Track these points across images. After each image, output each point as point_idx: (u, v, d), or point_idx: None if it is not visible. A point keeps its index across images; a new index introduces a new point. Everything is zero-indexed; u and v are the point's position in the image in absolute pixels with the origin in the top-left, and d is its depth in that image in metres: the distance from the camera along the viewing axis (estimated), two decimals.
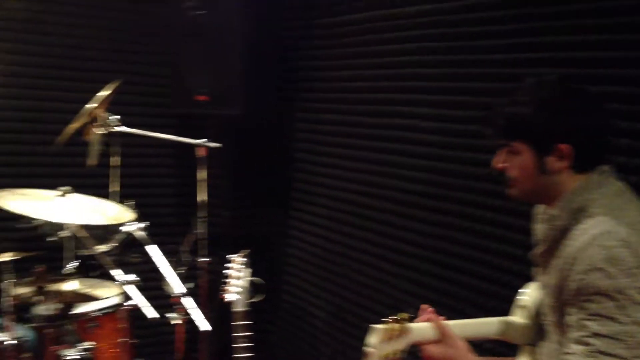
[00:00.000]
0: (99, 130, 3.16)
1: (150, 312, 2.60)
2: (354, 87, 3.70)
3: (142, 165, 4.15)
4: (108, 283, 3.14)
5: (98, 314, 3.07)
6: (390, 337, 1.55)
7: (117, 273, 2.66)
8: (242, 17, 3.70)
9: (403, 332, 1.57)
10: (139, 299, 2.60)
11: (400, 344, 1.57)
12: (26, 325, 2.86)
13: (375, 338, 1.55)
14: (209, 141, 3.28)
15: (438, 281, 3.07)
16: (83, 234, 3.03)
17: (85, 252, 3.21)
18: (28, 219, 3.37)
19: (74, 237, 3.12)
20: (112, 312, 3.14)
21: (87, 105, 3.02)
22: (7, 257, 2.58)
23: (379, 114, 3.50)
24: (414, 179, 3.25)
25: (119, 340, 3.11)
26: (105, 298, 2.98)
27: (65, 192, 2.58)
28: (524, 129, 1.61)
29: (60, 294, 2.83)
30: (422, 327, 1.61)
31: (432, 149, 3.14)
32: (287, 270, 4.15)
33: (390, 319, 1.58)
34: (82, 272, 3.05)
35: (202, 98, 3.68)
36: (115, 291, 3.08)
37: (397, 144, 3.36)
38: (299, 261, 4.10)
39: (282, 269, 4.16)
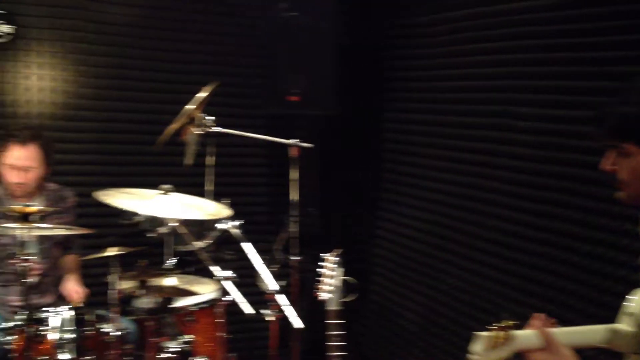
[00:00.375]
0: (196, 131, 3.26)
1: (247, 308, 2.67)
2: (444, 87, 3.67)
3: (236, 165, 4.27)
4: (204, 279, 3.25)
5: (195, 308, 3.19)
6: (494, 344, 1.54)
7: (214, 269, 2.75)
8: (333, 18, 3.74)
9: (508, 340, 1.55)
10: (236, 295, 2.68)
11: (505, 352, 1.55)
12: (128, 318, 3.00)
13: (480, 345, 1.54)
14: (301, 141, 3.33)
15: (534, 285, 3.01)
16: (182, 230, 3.14)
17: (183, 249, 3.33)
18: (129, 216, 3.55)
19: (173, 234, 3.23)
20: (208, 307, 3.26)
21: (186, 107, 3.12)
22: (113, 251, 2.71)
23: (470, 113, 3.45)
24: (508, 179, 3.19)
25: (215, 334, 3.22)
26: (202, 293, 3.07)
27: (167, 191, 2.69)
28: (637, 130, 1.55)
29: (160, 288, 2.95)
30: (527, 335, 1.58)
31: (527, 149, 3.07)
32: (375, 270, 4.16)
33: (495, 326, 1.56)
34: (180, 268, 3.16)
35: (293, 99, 3.75)
36: (211, 287, 3.18)
37: (489, 144, 3.31)
38: (387, 261, 4.10)
39: (370, 268, 4.17)
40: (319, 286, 2.56)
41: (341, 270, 2.62)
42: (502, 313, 2.90)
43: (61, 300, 3.25)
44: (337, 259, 2.64)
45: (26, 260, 2.27)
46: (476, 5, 3.37)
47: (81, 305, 3.12)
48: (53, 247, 3.28)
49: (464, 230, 3.47)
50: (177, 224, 3.12)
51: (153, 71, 4.07)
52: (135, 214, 3.45)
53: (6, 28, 3.64)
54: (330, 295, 2.54)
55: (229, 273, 2.72)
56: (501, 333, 1.55)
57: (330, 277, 2.57)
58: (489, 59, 3.31)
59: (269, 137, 3.41)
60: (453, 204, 3.55)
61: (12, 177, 3.10)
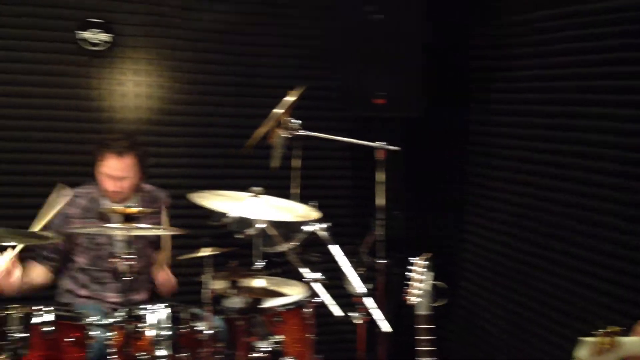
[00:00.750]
0: (283, 134, 3.31)
1: (336, 311, 2.68)
2: (531, 87, 3.58)
3: (321, 168, 4.32)
4: (292, 280, 3.29)
5: (283, 309, 3.23)
6: (600, 350, 1.50)
7: (303, 271, 2.78)
8: (418, 19, 3.72)
9: (614, 346, 1.50)
10: (325, 297, 2.70)
11: (611, 358, 1.50)
12: (218, 317, 3.08)
13: (586, 351, 1.50)
14: (387, 144, 3.32)
15: (627, 292, 2.89)
16: (270, 232, 3.19)
17: (271, 250, 3.38)
18: (218, 217, 3.63)
19: (261, 235, 3.29)
20: (295, 309, 3.30)
21: (274, 111, 3.17)
22: (206, 252, 2.78)
23: (560, 115, 3.36)
24: (601, 183, 3.09)
25: (302, 335, 3.25)
26: (290, 295, 3.11)
27: (258, 193, 2.75)
28: None
29: (250, 288, 3.00)
30: (634, 342, 1.53)
31: (623, 151, 2.96)
32: (462, 275, 4.10)
33: (600, 331, 1.52)
34: (269, 269, 3.21)
35: (379, 101, 3.74)
36: (299, 288, 3.21)
37: (582, 146, 3.21)
38: (474, 266, 4.04)
39: (457, 272, 4.11)
40: (409, 290, 2.55)
41: (431, 274, 2.59)
42: (597, 320, 2.81)
43: (153, 297, 3.37)
44: (427, 263, 2.62)
45: (127, 259, 2.36)
46: (562, 5, 3.28)
47: (172, 293, 3.22)
48: (146, 246, 3.41)
49: (554, 234, 3.37)
50: (266, 225, 3.18)
51: (243, 76, 4.17)
52: (224, 216, 3.57)
53: (104, 37, 3.81)
54: (419, 299, 2.52)
55: (318, 275, 2.74)
56: (607, 339, 1.51)
57: (420, 282, 2.55)
58: (574, 60, 3.22)
59: (355, 140, 3.42)
60: (542, 207, 3.47)
61: (108, 185, 3.24)
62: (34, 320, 2.50)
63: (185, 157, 4.11)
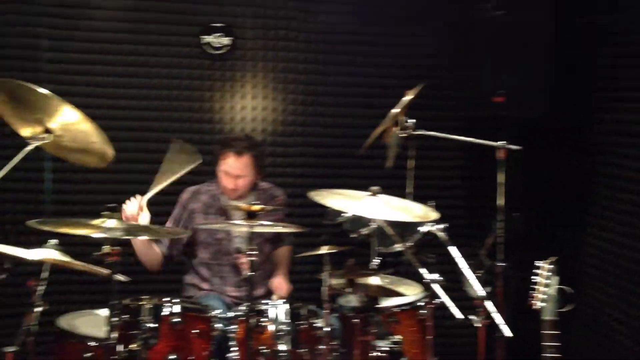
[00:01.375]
0: (399, 134, 3.29)
1: (457, 313, 2.64)
2: None
3: (436, 168, 4.27)
4: (407, 280, 3.26)
5: (398, 309, 3.23)
6: None
7: (422, 271, 2.75)
8: (544, 16, 3.59)
9: None
10: (444, 299, 2.66)
11: None
12: (333, 315, 3.10)
13: None
14: (508, 143, 3.23)
15: None
16: (386, 231, 3.19)
17: (386, 250, 3.37)
18: (333, 216, 3.67)
19: (377, 235, 3.29)
20: (411, 309, 3.28)
21: (393, 110, 3.16)
22: (325, 250, 2.82)
23: None
24: None
25: (417, 337, 3.22)
26: (407, 295, 3.09)
27: (376, 192, 2.75)
28: None
29: (367, 287, 3.01)
30: None
31: None
32: (584, 278, 3.93)
33: None
34: (385, 269, 3.20)
35: (498, 100, 3.65)
36: (415, 289, 3.18)
37: None
38: (597, 269, 3.85)
39: (580, 275, 3.94)
40: (534, 295, 2.47)
41: (556, 278, 2.50)
42: None
43: (269, 293, 3.45)
44: (552, 266, 2.53)
45: (248, 255, 2.43)
46: None
47: (284, 299, 3.29)
48: (264, 243, 3.49)
49: None
50: (381, 224, 3.18)
51: (360, 76, 4.20)
52: (339, 215, 3.59)
53: (225, 40, 3.95)
54: (545, 304, 2.43)
55: (436, 276, 2.71)
56: None
57: (546, 286, 2.46)
58: None
59: (475, 139, 3.34)
60: None
61: (226, 182, 3.36)
62: (164, 311, 2.62)
63: (306, 157, 4.19)
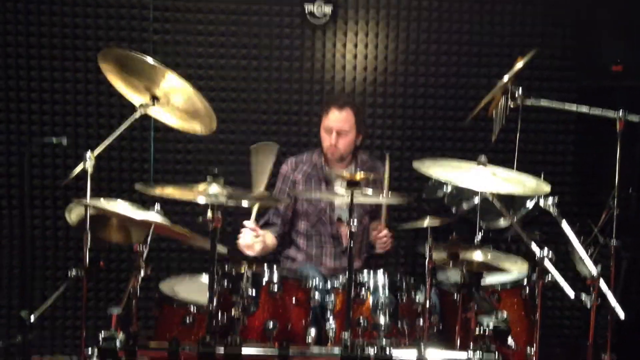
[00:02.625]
0: (508, 104, 3.13)
1: (570, 292, 2.49)
2: None
3: (545, 140, 4.07)
4: (512, 256, 3.12)
5: (502, 287, 3.09)
6: None
7: (532, 247, 2.61)
8: None
9: None
10: (557, 276, 2.51)
11: None
12: (434, 289, 3.01)
13: None
14: (626, 114, 3.00)
15: None
16: (489, 206, 3.05)
17: (491, 225, 3.24)
18: (432, 191, 3.55)
19: (481, 209, 3.16)
20: (516, 287, 3.14)
21: (503, 79, 3.00)
22: (427, 223, 2.72)
23: None
24: None
25: (521, 315, 3.09)
26: (511, 271, 2.96)
27: (484, 163, 2.62)
28: None
29: (470, 262, 2.90)
30: None
31: None
32: None
33: None
34: (489, 243, 3.07)
35: (617, 68, 3.41)
36: (520, 266, 3.04)
37: None
38: None
39: None
40: None
41: None
42: None
43: (369, 266, 3.40)
44: None
45: (349, 225, 2.37)
46: None
47: (389, 249, 3.20)
48: (364, 214, 3.44)
49: None
50: (483, 199, 3.05)
51: (466, 45, 4.04)
52: (439, 189, 3.48)
53: (327, 9, 3.89)
54: None
55: (547, 252, 2.56)
56: None
57: None
58: None
59: (591, 109, 3.13)
60: None
61: (328, 141, 3.31)
62: (264, 279, 2.62)
63: (406, 128, 4.09)
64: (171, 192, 2.34)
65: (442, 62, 4.04)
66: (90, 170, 2.65)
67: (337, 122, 3.29)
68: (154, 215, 2.59)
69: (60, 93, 3.90)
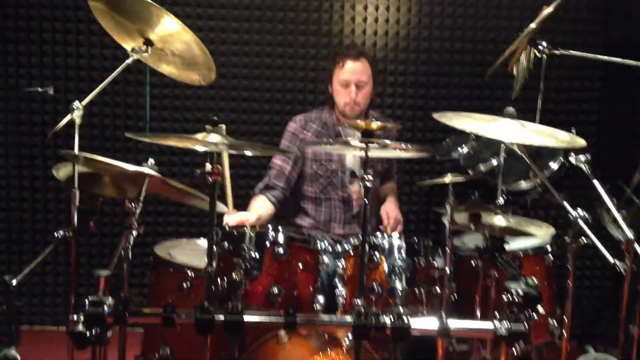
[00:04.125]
0: (531, 55, 2.87)
1: (608, 256, 2.26)
2: None
3: (571, 93, 3.83)
4: (537, 221, 2.89)
5: (524, 252, 2.88)
6: None
7: (567, 207, 2.37)
8: None
9: None
10: (593, 239, 2.28)
11: None
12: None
13: None
14: None
15: None
16: (512, 165, 2.82)
17: (512, 186, 3.01)
18: (447, 151, 3.31)
19: (502, 169, 2.93)
20: (539, 253, 2.93)
21: (530, 26, 2.73)
22: (448, 179, 2.47)
23: None
24: None
25: (544, 284, 2.88)
26: (536, 236, 2.73)
27: (512, 115, 2.36)
28: None
29: (491, 226, 2.66)
30: None
31: None
32: None
33: None
34: (513, 205, 2.83)
35: None
36: (546, 230, 2.81)
37: None
38: None
39: None
40: None
41: None
42: None
43: (377, 229, 3.17)
44: None
45: (366, 180, 2.13)
46: None
47: (396, 232, 3.00)
48: (375, 176, 3.19)
49: None
50: (502, 160, 2.81)
51: None
52: (454, 149, 3.24)
53: None
54: None
55: (582, 213, 2.32)
56: None
57: None
58: None
59: (621, 59, 2.86)
60: None
61: (345, 96, 3.05)
62: (269, 240, 2.38)
63: (420, 85, 3.83)
64: (166, 140, 2.09)
65: (458, 13, 3.77)
66: (78, 121, 2.46)
67: (355, 74, 3.03)
68: (147, 170, 2.34)
69: (50, 44, 3.63)
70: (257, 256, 2.33)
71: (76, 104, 2.46)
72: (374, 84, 3.13)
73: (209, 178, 2.06)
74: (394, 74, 3.79)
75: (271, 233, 2.38)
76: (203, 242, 2.94)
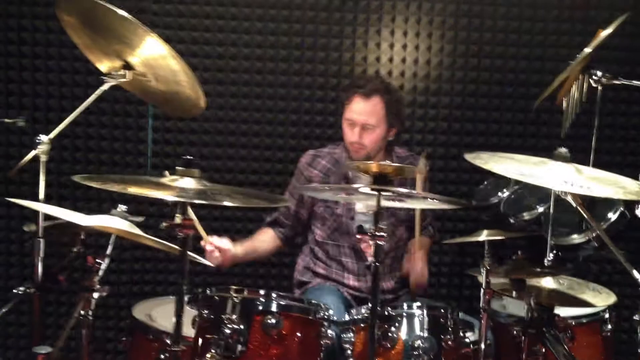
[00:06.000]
0: (587, 84, 2.40)
1: None
2: None
3: (630, 127, 3.34)
4: (594, 284, 2.40)
5: (577, 320, 2.43)
6: None
7: (630, 269, 1.89)
8: None
9: None
10: None
11: None
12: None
13: None
14: None
15: None
16: (563, 214, 2.36)
17: (560, 240, 2.54)
18: (486, 196, 2.88)
19: (546, 221, 2.46)
20: (594, 321, 2.51)
21: (584, 51, 2.26)
22: (484, 237, 2.01)
23: None
24: None
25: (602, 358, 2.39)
26: (596, 305, 2.24)
27: (564, 157, 1.90)
28: None
29: (538, 291, 2.18)
30: None
31: None
32: None
33: None
34: (562, 266, 2.35)
35: None
36: (605, 297, 2.32)
37: None
38: None
39: None
40: None
41: None
42: None
43: (401, 286, 2.71)
44: None
45: (377, 237, 1.68)
46: None
47: (421, 291, 2.53)
48: (398, 223, 2.74)
49: None
50: (559, 204, 2.34)
51: (533, 19, 3.29)
52: (495, 192, 2.82)
53: None
54: None
55: None
56: None
57: None
58: None
59: None
60: None
61: (351, 135, 2.65)
62: (257, 309, 1.93)
63: (454, 120, 3.35)
64: (117, 187, 1.67)
65: (497, 40, 3.31)
66: (44, 158, 2.14)
67: (362, 114, 2.62)
68: (112, 220, 1.91)
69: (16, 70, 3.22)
70: (242, 328, 1.87)
71: (42, 137, 2.13)
72: (393, 124, 2.70)
73: (177, 232, 1.64)
74: (424, 106, 3.33)
75: (260, 299, 1.92)
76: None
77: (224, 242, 2.48)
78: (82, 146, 3.26)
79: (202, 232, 2.38)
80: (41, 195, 2.14)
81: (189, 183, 1.68)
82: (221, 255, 2.45)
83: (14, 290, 2.19)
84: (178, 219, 1.66)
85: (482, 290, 1.92)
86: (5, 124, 2.90)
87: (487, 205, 2.89)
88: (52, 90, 3.23)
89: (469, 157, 1.92)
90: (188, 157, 1.72)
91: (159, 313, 2.37)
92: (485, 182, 2.95)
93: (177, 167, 1.71)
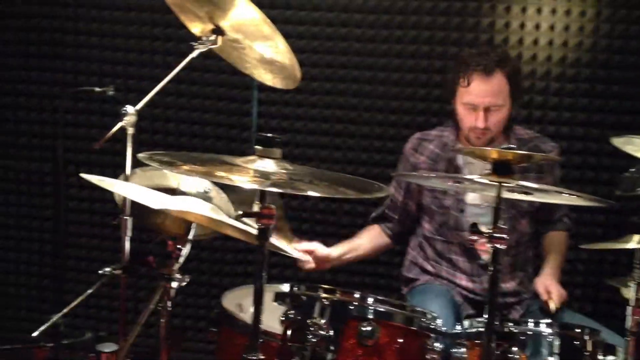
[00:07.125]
0: None
1: None
2: None
3: None
4: None
5: None
6: None
7: None
8: None
9: None
10: None
11: None
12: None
13: None
14: None
15: None
16: None
17: None
18: (633, 185, 2.45)
19: None
20: None
21: None
22: (633, 244, 1.63)
23: None
24: None
25: None
26: None
27: None
28: None
29: None
30: None
31: None
32: None
33: None
34: None
35: None
36: None
37: None
38: None
39: None
40: None
41: None
42: None
43: (525, 289, 2.34)
44: None
45: (496, 239, 1.36)
46: None
47: (555, 310, 2.14)
48: (520, 218, 2.35)
49: None
50: None
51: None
52: None
53: None
54: None
55: None
56: None
57: None
58: None
59: None
60: None
61: (471, 120, 2.27)
62: (352, 313, 1.66)
63: (596, 96, 2.89)
64: (186, 167, 1.44)
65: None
66: (130, 130, 2.01)
67: (486, 96, 2.23)
68: (193, 203, 1.70)
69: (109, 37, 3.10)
70: (331, 335, 1.61)
71: (129, 108, 2.00)
72: (517, 98, 2.32)
73: (257, 222, 1.40)
74: (559, 79, 2.89)
75: (354, 302, 1.64)
76: (285, 288, 2.26)
77: (314, 245, 2.25)
78: (173, 117, 3.10)
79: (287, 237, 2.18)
80: (128, 170, 2.02)
81: (268, 165, 1.42)
82: (314, 259, 2.22)
83: (100, 271, 2.09)
84: (256, 207, 1.41)
85: (629, 309, 1.55)
86: (95, 92, 2.77)
87: (633, 195, 2.47)
88: (145, 58, 3.08)
89: (618, 142, 1.54)
90: (278, 137, 1.46)
91: (249, 303, 2.16)
92: (631, 169, 2.52)
93: (255, 147, 1.46)
